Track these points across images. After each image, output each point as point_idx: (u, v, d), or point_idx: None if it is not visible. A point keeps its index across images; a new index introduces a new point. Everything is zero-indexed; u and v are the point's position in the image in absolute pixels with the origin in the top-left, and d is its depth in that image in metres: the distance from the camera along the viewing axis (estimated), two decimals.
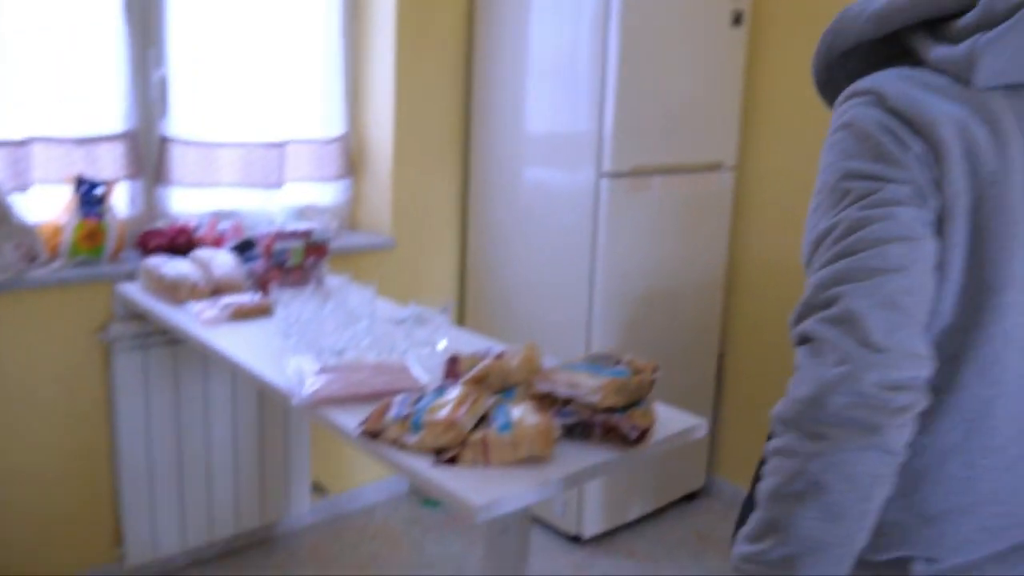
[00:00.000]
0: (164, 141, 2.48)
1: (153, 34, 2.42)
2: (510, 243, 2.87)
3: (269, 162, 2.65)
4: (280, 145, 2.67)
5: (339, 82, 2.82)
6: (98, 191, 2.28)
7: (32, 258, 2.18)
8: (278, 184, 2.68)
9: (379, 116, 2.85)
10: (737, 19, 2.75)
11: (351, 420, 1.46)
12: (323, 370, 1.62)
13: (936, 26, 0.94)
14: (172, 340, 2.37)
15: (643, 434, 1.41)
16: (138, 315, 2.28)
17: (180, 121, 2.49)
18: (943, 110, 0.88)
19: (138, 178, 2.47)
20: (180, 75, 2.47)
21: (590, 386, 1.42)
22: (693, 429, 1.53)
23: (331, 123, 2.83)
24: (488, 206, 2.94)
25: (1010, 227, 0.88)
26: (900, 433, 0.84)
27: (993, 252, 0.89)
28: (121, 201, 2.44)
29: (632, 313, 2.71)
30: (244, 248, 2.36)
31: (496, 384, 1.52)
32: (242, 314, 2.05)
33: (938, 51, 0.92)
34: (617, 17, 2.43)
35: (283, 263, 2.24)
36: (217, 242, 2.46)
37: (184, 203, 2.55)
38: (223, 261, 2.26)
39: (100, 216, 2.29)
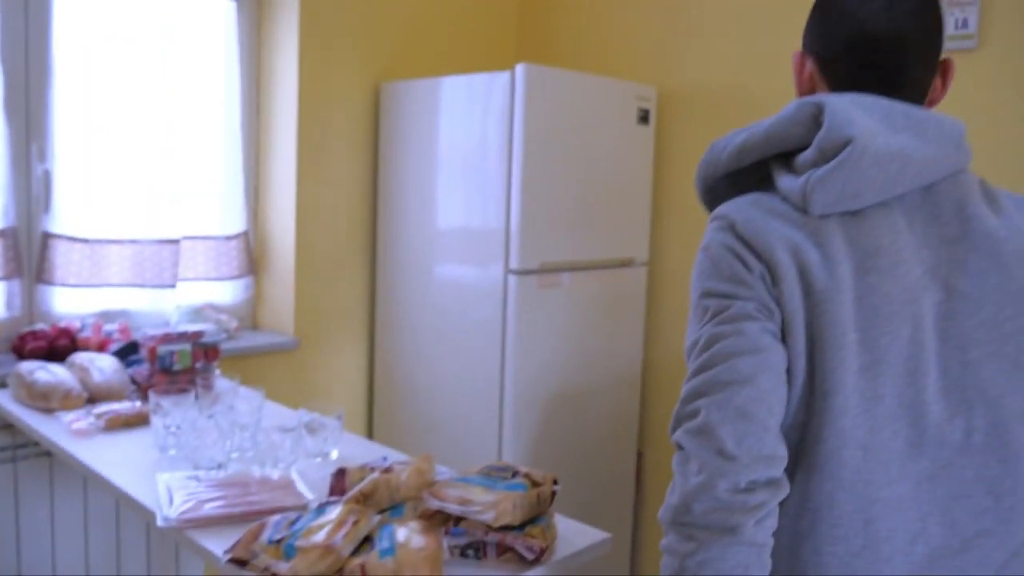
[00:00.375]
0: (47, 238, 2.34)
1: (36, 127, 2.30)
2: (420, 341, 2.77)
3: (162, 260, 2.52)
4: (174, 242, 2.54)
5: (239, 177, 2.73)
6: None
7: None
8: (172, 283, 2.55)
9: (281, 212, 2.76)
10: (644, 117, 2.76)
11: (223, 543, 1.32)
12: (198, 487, 1.48)
13: (788, 158, 1.06)
14: (47, 451, 2.18)
15: (541, 553, 1.30)
16: (8, 425, 2.10)
17: (65, 217, 2.35)
18: (781, 235, 1.00)
19: (16, 278, 2.31)
20: (66, 169, 2.35)
21: (484, 502, 1.31)
22: (598, 545, 1.43)
23: (231, 219, 2.72)
24: (397, 303, 2.84)
25: (840, 338, 0.98)
26: (760, 527, 0.93)
27: (826, 360, 0.98)
28: None
29: (546, 412, 2.61)
30: (128, 352, 2.20)
31: (384, 500, 1.40)
32: (118, 424, 1.89)
33: (784, 181, 1.04)
34: (522, 114, 2.41)
35: (170, 367, 2.09)
36: (102, 345, 2.30)
37: (68, 303, 2.40)
38: (104, 366, 2.10)
39: None
